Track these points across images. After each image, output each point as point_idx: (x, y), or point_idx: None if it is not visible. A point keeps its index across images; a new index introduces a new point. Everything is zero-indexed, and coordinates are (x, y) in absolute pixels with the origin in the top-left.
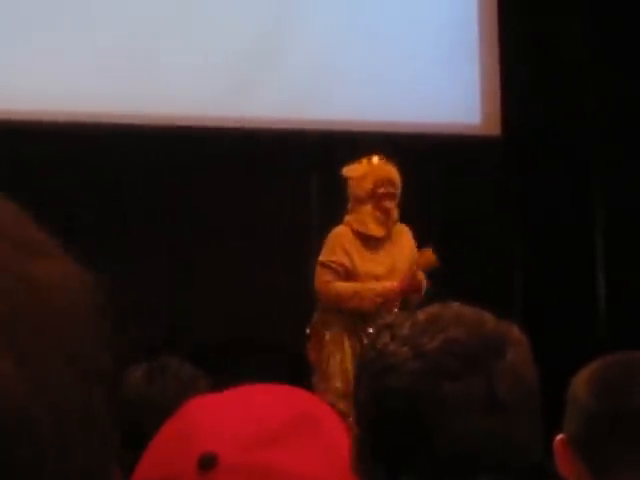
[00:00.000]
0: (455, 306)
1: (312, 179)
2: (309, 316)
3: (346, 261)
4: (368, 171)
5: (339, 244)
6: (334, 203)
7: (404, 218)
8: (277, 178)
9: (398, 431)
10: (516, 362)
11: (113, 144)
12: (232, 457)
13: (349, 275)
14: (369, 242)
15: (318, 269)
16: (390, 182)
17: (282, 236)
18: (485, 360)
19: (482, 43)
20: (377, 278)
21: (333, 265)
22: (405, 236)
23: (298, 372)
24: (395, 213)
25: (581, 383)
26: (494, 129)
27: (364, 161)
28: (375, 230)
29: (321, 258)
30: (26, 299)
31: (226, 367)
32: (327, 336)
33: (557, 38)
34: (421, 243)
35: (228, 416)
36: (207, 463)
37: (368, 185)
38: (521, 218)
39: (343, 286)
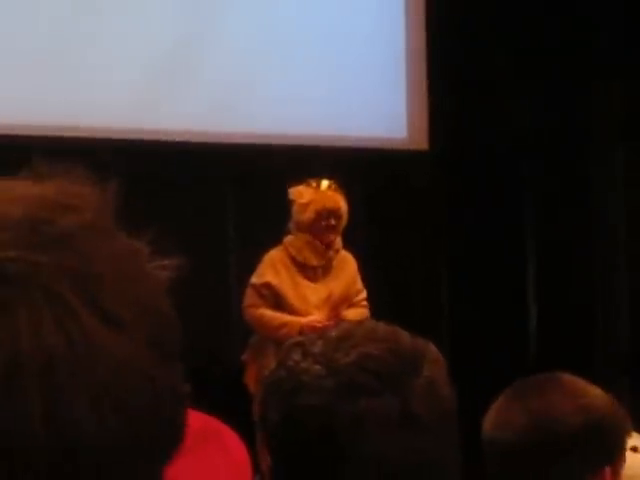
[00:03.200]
0: (368, 323)
1: (228, 193)
2: (230, 338)
3: (277, 286)
4: (313, 199)
5: (272, 267)
6: (251, 217)
7: None
8: (193, 191)
9: (312, 453)
10: (433, 379)
11: (19, 156)
12: None
13: (279, 301)
14: (305, 269)
15: (248, 291)
16: (334, 214)
17: (198, 252)
18: (401, 376)
19: (409, 57)
20: (309, 306)
21: (263, 290)
22: (348, 266)
23: (228, 399)
24: (337, 243)
25: (488, 414)
26: (421, 143)
27: (313, 184)
28: (311, 259)
29: (252, 280)
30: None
31: None
32: (262, 363)
33: (485, 52)
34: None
35: None
36: None
37: (310, 214)
38: (448, 232)
39: (271, 315)
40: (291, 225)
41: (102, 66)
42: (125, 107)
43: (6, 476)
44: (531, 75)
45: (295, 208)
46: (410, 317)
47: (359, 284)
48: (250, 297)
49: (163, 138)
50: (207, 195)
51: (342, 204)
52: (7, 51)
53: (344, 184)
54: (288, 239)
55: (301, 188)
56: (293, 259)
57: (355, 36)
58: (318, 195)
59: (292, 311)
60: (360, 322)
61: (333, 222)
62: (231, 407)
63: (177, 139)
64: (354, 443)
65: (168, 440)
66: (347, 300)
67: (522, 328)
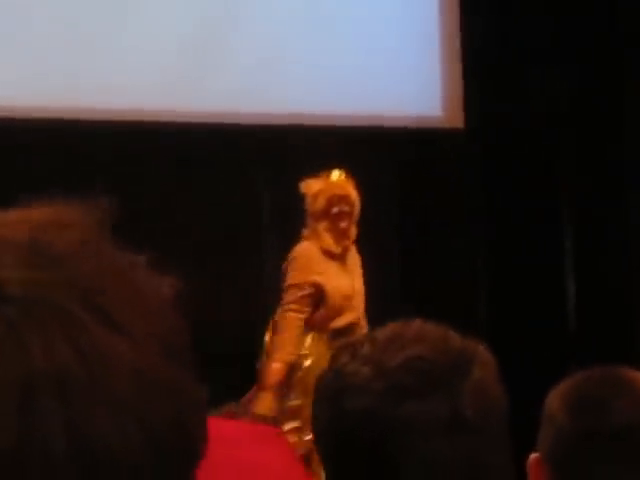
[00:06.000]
0: (417, 323)
1: (261, 174)
2: (257, 323)
3: (321, 283)
4: (323, 188)
5: (310, 262)
6: (284, 200)
7: (364, 214)
8: (226, 173)
9: (359, 455)
10: (483, 381)
11: (50, 139)
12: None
13: (320, 299)
14: (333, 257)
15: (290, 290)
16: (345, 200)
17: (229, 235)
18: (450, 379)
19: (443, 35)
20: (346, 296)
21: (307, 289)
22: (355, 260)
23: (249, 381)
24: (352, 232)
25: (556, 400)
26: (457, 121)
27: (323, 176)
28: (332, 246)
29: (293, 279)
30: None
31: None
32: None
33: (521, 29)
34: (383, 238)
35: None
36: None
37: (321, 203)
38: (484, 211)
39: (278, 368)
40: (308, 219)
41: (132, 49)
42: (154, 89)
43: None
44: (567, 54)
45: (307, 200)
46: (446, 300)
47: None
48: (291, 296)
49: (193, 120)
50: (238, 176)
51: (352, 192)
52: (38, 34)
53: (379, 163)
54: (307, 232)
55: (310, 180)
56: (320, 248)
57: (389, 16)
58: (327, 184)
59: (329, 307)
60: (409, 323)
61: (346, 208)
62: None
63: (207, 121)
64: (403, 446)
65: (190, 453)
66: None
67: (560, 308)
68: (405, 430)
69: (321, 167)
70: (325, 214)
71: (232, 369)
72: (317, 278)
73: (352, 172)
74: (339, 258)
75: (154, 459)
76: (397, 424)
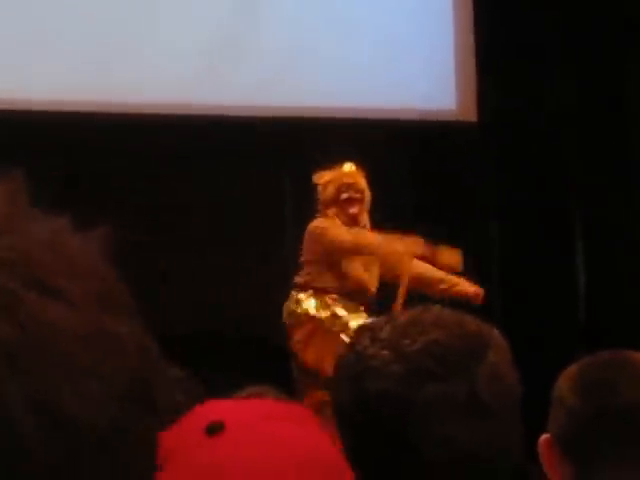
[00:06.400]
0: (435, 309)
1: (283, 166)
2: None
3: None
4: (333, 177)
5: (333, 226)
6: (308, 192)
7: (378, 204)
8: (248, 164)
9: (380, 436)
10: (498, 364)
11: (81, 133)
12: (238, 425)
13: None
14: None
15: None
16: (353, 187)
17: (255, 225)
18: (467, 362)
19: (457, 28)
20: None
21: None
22: None
23: (273, 365)
24: (363, 219)
25: (566, 382)
26: (470, 115)
27: (335, 168)
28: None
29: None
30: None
31: (198, 361)
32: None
33: (534, 23)
34: (395, 231)
35: (236, 405)
36: (214, 429)
37: (331, 190)
38: (496, 203)
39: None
40: (320, 208)
41: (159, 45)
42: (179, 83)
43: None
44: (579, 48)
45: (319, 190)
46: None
47: None
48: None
49: (216, 113)
50: (261, 168)
51: (361, 181)
52: (66, 29)
53: (393, 155)
54: (317, 220)
55: (322, 172)
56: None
57: (404, 10)
58: (337, 174)
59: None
60: (427, 308)
61: (355, 195)
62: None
63: (231, 113)
64: (422, 428)
65: (153, 403)
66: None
67: (571, 296)
68: (424, 412)
69: (336, 160)
70: (334, 201)
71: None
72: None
73: (366, 165)
74: None
75: (118, 413)
76: (417, 406)
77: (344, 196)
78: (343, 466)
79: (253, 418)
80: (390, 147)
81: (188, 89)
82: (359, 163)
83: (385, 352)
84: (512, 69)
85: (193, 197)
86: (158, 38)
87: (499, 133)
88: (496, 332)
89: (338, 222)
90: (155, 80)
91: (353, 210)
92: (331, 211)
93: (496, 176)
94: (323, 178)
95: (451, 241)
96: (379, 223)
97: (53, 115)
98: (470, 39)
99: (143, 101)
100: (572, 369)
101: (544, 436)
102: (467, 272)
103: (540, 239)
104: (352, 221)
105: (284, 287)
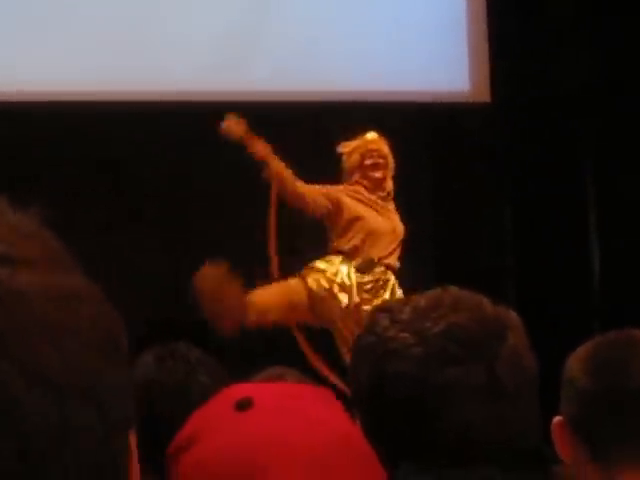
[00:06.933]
0: (454, 291)
1: (300, 150)
2: None
3: (338, 195)
4: (357, 145)
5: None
6: (326, 175)
7: (394, 187)
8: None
9: (400, 417)
10: (516, 347)
11: (106, 121)
12: (266, 402)
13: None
14: (364, 203)
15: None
16: (378, 154)
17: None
18: (487, 345)
19: (471, 9)
20: (370, 230)
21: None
22: (394, 215)
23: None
24: (388, 185)
25: (577, 363)
26: (483, 96)
27: (358, 137)
28: (365, 195)
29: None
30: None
31: (230, 348)
32: None
33: (548, 4)
34: (412, 212)
35: (263, 386)
36: (243, 405)
37: (356, 157)
38: (511, 185)
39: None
40: (344, 176)
41: (174, 31)
42: (200, 70)
43: None
44: (593, 27)
45: (344, 159)
46: (476, 270)
47: None
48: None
49: (235, 99)
50: (279, 153)
51: (384, 147)
52: (82, 17)
53: (408, 137)
54: (340, 186)
55: (347, 142)
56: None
57: None
58: (361, 142)
59: (340, 222)
60: (446, 290)
61: (379, 160)
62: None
63: (249, 99)
64: (442, 410)
65: (121, 352)
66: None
67: (586, 274)
68: (445, 394)
69: (351, 141)
70: (359, 167)
71: None
72: (338, 195)
73: None
74: (374, 205)
75: (99, 367)
76: (438, 388)
77: (368, 162)
78: (368, 446)
79: (281, 396)
80: (405, 130)
81: (205, 76)
82: None
83: (405, 334)
84: (526, 50)
85: (222, 182)
86: (174, 25)
87: (512, 114)
88: (513, 314)
89: (360, 188)
90: (171, 68)
91: (377, 174)
92: (355, 177)
93: (510, 157)
94: (348, 147)
95: (465, 223)
96: (397, 206)
97: (69, 105)
98: (484, 20)
99: (159, 89)
100: (582, 350)
101: (556, 418)
102: (481, 253)
103: (554, 222)
104: (377, 186)
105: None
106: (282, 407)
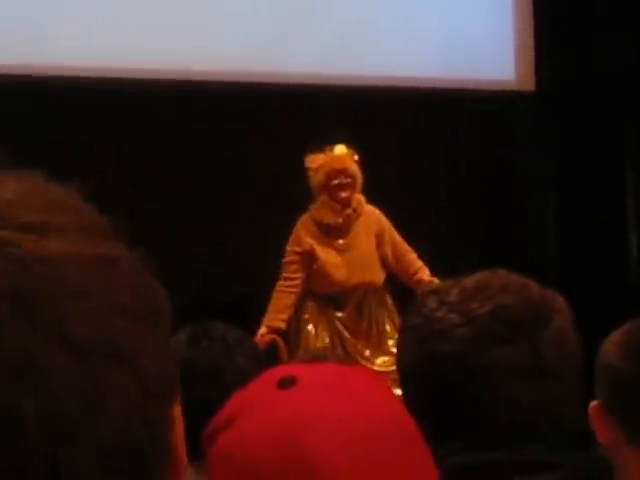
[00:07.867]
0: (502, 274)
1: (342, 134)
2: None
3: (308, 248)
4: (323, 163)
5: (300, 233)
6: (367, 157)
7: (437, 177)
8: (307, 133)
9: (445, 397)
10: (561, 329)
11: (145, 99)
12: (310, 380)
13: (313, 260)
14: (329, 230)
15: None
16: (343, 173)
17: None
18: (533, 327)
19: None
20: (335, 266)
21: (290, 255)
22: (372, 227)
23: None
24: (355, 201)
25: (611, 347)
26: (528, 84)
27: (326, 150)
28: (331, 219)
29: (287, 247)
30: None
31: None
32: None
33: None
34: (459, 200)
35: (307, 365)
36: (286, 382)
37: (321, 177)
38: (554, 174)
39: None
40: (314, 191)
41: (223, 11)
42: (243, 51)
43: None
44: (637, 20)
45: (310, 174)
46: (516, 257)
47: (402, 244)
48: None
49: (277, 81)
50: (321, 136)
51: (350, 165)
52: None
53: (453, 125)
54: (311, 205)
55: (313, 155)
56: (316, 222)
57: None
58: (328, 158)
59: (316, 272)
60: (494, 273)
61: (345, 180)
62: None
63: (291, 81)
64: (487, 389)
65: (163, 320)
66: (374, 263)
67: (623, 259)
68: (491, 374)
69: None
70: (325, 187)
71: None
72: (306, 246)
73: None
74: (339, 230)
75: (134, 334)
76: (482, 367)
77: (334, 182)
78: (414, 425)
79: (325, 374)
80: (448, 117)
81: (253, 57)
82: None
83: (453, 315)
84: (572, 38)
85: (256, 163)
86: (224, 6)
87: (558, 102)
88: (560, 298)
89: (322, 211)
90: (220, 48)
91: (344, 194)
92: (322, 198)
93: (552, 143)
94: (314, 163)
95: (511, 209)
96: (435, 194)
97: (117, 81)
98: (529, 8)
99: (207, 68)
100: (616, 335)
101: (593, 402)
102: (524, 241)
103: (596, 207)
104: (344, 205)
105: None
106: (327, 384)
